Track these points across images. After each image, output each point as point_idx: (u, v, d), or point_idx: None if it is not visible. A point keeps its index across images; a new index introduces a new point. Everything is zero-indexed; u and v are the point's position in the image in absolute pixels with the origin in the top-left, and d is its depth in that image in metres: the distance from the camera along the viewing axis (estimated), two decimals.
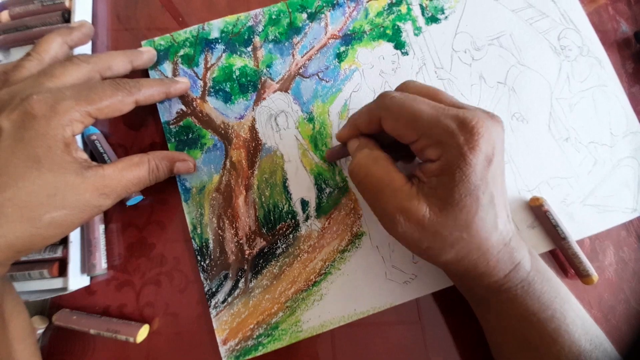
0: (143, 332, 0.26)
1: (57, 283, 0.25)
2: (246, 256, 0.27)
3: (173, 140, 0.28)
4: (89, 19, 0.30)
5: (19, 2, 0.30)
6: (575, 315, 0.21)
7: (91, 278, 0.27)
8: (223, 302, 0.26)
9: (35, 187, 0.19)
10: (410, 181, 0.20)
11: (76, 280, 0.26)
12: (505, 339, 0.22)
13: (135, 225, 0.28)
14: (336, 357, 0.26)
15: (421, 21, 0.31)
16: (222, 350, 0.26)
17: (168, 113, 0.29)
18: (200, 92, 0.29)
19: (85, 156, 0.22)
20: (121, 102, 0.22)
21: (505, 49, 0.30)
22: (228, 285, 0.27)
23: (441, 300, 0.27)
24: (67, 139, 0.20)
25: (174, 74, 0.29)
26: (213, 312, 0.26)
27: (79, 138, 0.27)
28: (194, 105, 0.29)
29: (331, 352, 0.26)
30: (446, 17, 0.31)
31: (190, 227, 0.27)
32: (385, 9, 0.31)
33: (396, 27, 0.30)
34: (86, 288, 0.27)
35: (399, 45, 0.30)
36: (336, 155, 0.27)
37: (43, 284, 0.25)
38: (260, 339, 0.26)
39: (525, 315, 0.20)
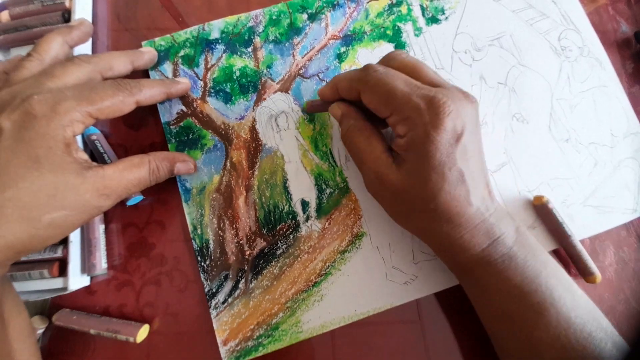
0: (143, 332, 0.26)
1: (57, 283, 0.25)
2: (246, 257, 0.27)
3: (173, 140, 0.28)
4: (89, 19, 0.30)
5: (19, 2, 0.30)
6: (564, 290, 0.21)
7: (91, 278, 0.27)
8: (223, 302, 0.26)
9: (35, 188, 0.19)
10: (389, 150, 0.22)
11: (76, 280, 0.26)
12: (490, 310, 0.23)
13: (135, 225, 0.28)
14: (336, 356, 0.26)
15: (421, 22, 0.31)
16: (223, 350, 0.26)
17: (168, 113, 0.29)
18: (201, 93, 0.29)
19: (85, 157, 0.22)
20: (122, 102, 0.22)
21: (505, 49, 0.30)
22: (228, 285, 0.27)
23: (442, 299, 0.27)
24: (67, 139, 0.20)
25: (175, 75, 0.29)
26: (213, 312, 0.26)
27: (79, 138, 0.27)
28: (195, 105, 0.29)
29: (331, 352, 0.26)
30: (446, 17, 0.31)
31: (190, 228, 0.27)
32: (386, 9, 0.31)
33: (396, 27, 0.30)
34: (86, 288, 0.27)
35: (400, 46, 0.30)
36: (316, 109, 0.28)
37: (43, 284, 0.25)
38: (260, 340, 0.26)
39: (507, 289, 0.21)
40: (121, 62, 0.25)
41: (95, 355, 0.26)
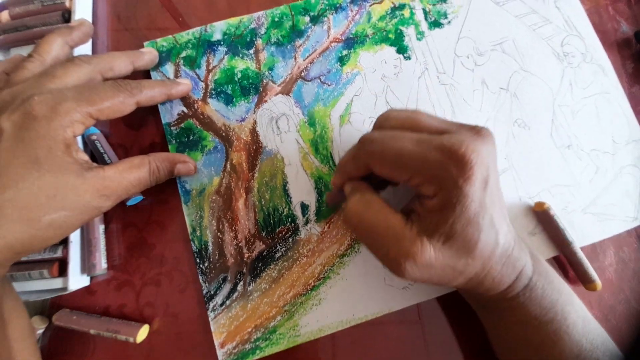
0: (143, 332, 0.26)
1: (57, 283, 0.25)
2: (245, 259, 0.27)
3: (174, 141, 0.28)
4: (89, 20, 0.30)
5: (19, 2, 0.30)
6: (577, 317, 0.21)
7: (91, 278, 0.27)
8: (221, 305, 0.26)
9: (35, 189, 0.19)
10: (408, 219, 0.19)
11: (76, 280, 0.26)
12: (507, 339, 0.23)
13: (135, 225, 0.28)
14: (336, 356, 0.26)
15: (424, 26, 0.31)
16: (220, 353, 0.26)
17: (169, 114, 0.29)
18: (202, 94, 0.29)
19: (85, 157, 0.22)
20: (122, 103, 0.22)
21: (508, 54, 0.30)
22: (226, 288, 0.27)
23: (442, 299, 0.27)
24: (67, 140, 0.20)
25: (176, 76, 0.29)
26: (211, 314, 0.26)
27: (79, 138, 0.27)
28: (195, 107, 0.29)
29: (331, 352, 0.26)
30: (449, 22, 0.31)
31: (189, 229, 0.27)
32: (388, 13, 0.31)
33: (399, 31, 0.30)
34: (86, 288, 0.27)
35: (402, 50, 0.30)
36: (335, 200, 0.27)
37: (43, 284, 0.25)
38: (258, 343, 0.26)
39: (527, 320, 0.21)
40: (122, 63, 0.25)
41: (95, 355, 0.26)
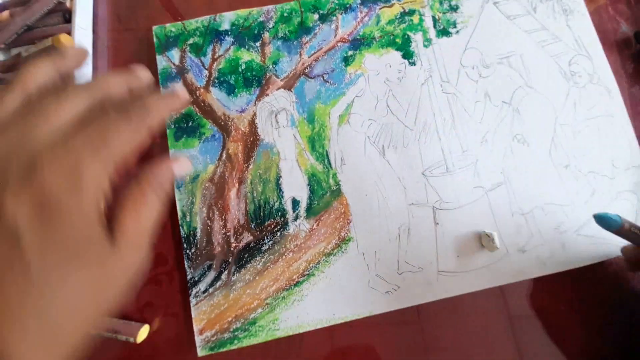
0: (143, 332, 0.25)
1: None
2: (232, 249, 0.27)
3: (172, 126, 0.29)
4: (90, 20, 0.30)
5: (19, 2, 0.29)
6: None
7: None
8: (204, 292, 0.26)
9: (79, 292, 0.14)
10: None
11: None
12: None
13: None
14: (336, 355, 0.26)
15: (432, 33, 0.31)
16: (198, 339, 0.26)
17: None
18: (205, 82, 0.29)
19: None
20: (136, 132, 0.17)
21: (514, 69, 0.30)
22: (211, 275, 0.27)
23: (442, 301, 0.27)
24: (100, 212, 0.15)
25: (182, 62, 0.30)
26: (193, 301, 0.26)
27: None
28: (197, 94, 0.29)
29: (330, 350, 0.26)
30: (457, 31, 0.31)
31: (179, 214, 0.27)
32: (397, 17, 0.31)
33: (406, 36, 0.30)
34: None
35: (407, 55, 0.30)
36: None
37: None
38: (236, 333, 0.26)
39: None
40: (118, 86, 0.19)
41: (95, 355, 0.26)
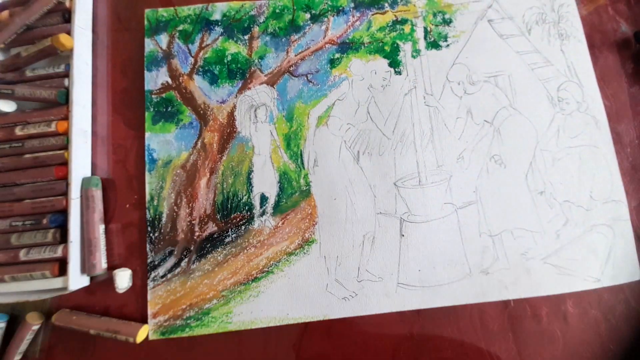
0: (143, 332, 0.25)
1: (57, 283, 0.25)
2: (195, 237, 0.27)
3: (152, 109, 0.29)
4: (89, 20, 0.30)
5: (19, 2, 0.29)
6: None
7: (91, 278, 0.27)
8: (162, 277, 0.27)
9: None
10: None
11: (76, 280, 0.25)
12: None
13: (135, 225, 0.28)
14: (336, 353, 0.26)
15: (422, 44, 0.30)
16: (151, 323, 0.26)
17: (153, 82, 0.29)
18: (189, 69, 0.30)
19: None
20: None
21: (500, 88, 0.30)
22: (171, 261, 0.27)
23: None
24: None
25: (169, 47, 0.30)
26: (150, 284, 0.26)
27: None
28: (180, 80, 0.29)
29: (330, 348, 0.26)
30: (448, 45, 0.30)
31: (147, 197, 0.28)
32: (389, 25, 0.31)
33: (395, 45, 0.30)
34: (86, 288, 0.26)
35: (394, 64, 0.30)
36: None
37: (44, 284, 0.25)
38: (189, 322, 0.26)
39: None
40: None
41: (95, 355, 0.26)
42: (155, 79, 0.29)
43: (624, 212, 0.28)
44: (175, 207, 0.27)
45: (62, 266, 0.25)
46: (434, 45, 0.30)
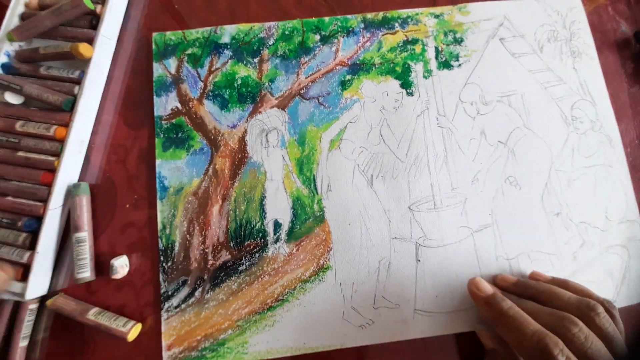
0: (135, 331, 0.25)
1: (17, 287, 0.25)
2: (208, 266, 0.27)
3: (162, 135, 0.28)
4: (116, 31, 0.30)
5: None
6: None
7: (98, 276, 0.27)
8: (176, 307, 0.26)
9: None
10: None
11: (35, 290, 0.25)
12: None
13: (135, 226, 0.27)
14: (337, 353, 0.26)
15: (433, 64, 0.30)
16: (165, 355, 0.25)
17: (163, 108, 0.29)
18: (199, 94, 0.29)
19: None
20: None
21: (513, 108, 0.29)
22: (184, 291, 0.26)
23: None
24: None
25: (178, 71, 0.29)
26: (164, 315, 0.26)
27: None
28: (190, 105, 0.29)
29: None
30: (460, 64, 0.30)
31: (159, 226, 0.27)
32: (400, 45, 0.30)
33: (407, 65, 0.30)
34: (86, 287, 0.26)
35: (406, 85, 0.30)
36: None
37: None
38: (204, 352, 0.26)
39: None
40: None
41: (95, 354, 0.26)
42: (164, 105, 0.29)
43: (638, 232, 0.28)
44: (187, 236, 0.27)
45: (26, 272, 0.25)
46: (445, 65, 0.30)
